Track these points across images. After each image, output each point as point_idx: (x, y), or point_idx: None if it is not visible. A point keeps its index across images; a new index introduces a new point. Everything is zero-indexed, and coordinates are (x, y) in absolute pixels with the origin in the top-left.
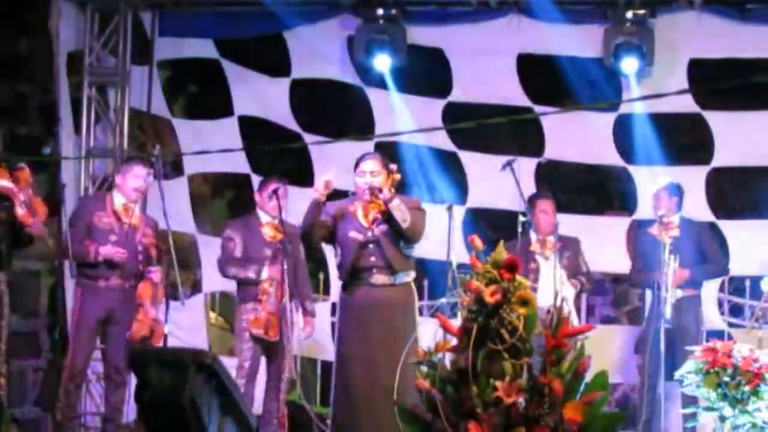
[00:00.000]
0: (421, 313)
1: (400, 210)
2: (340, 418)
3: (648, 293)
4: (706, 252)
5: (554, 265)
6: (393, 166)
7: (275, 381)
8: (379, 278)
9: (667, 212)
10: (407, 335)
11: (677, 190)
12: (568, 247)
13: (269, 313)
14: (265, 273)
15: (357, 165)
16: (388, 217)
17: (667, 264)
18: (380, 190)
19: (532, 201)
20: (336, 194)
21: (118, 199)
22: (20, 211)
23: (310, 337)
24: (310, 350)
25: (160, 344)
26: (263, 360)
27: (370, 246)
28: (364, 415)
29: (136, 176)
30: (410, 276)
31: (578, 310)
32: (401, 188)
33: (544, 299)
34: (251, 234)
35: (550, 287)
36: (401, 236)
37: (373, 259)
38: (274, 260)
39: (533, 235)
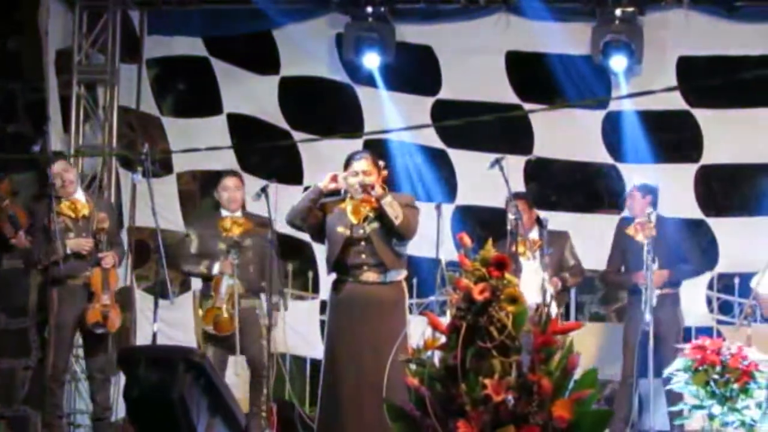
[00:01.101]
0: (410, 311)
1: (392, 207)
2: (327, 416)
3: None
4: (684, 251)
5: (537, 263)
6: (381, 163)
7: (254, 377)
8: (370, 276)
9: (641, 213)
10: (397, 334)
11: (650, 190)
12: (554, 243)
13: (218, 308)
14: (216, 268)
15: (348, 164)
16: (380, 215)
17: (645, 264)
18: (372, 188)
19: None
20: (330, 192)
21: (61, 200)
22: (8, 228)
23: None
24: (299, 348)
25: (115, 329)
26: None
27: (361, 243)
28: (351, 413)
29: (56, 177)
30: (402, 274)
31: (567, 308)
32: (390, 186)
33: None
34: (208, 229)
35: (531, 286)
36: (394, 233)
37: (363, 256)
38: (228, 255)
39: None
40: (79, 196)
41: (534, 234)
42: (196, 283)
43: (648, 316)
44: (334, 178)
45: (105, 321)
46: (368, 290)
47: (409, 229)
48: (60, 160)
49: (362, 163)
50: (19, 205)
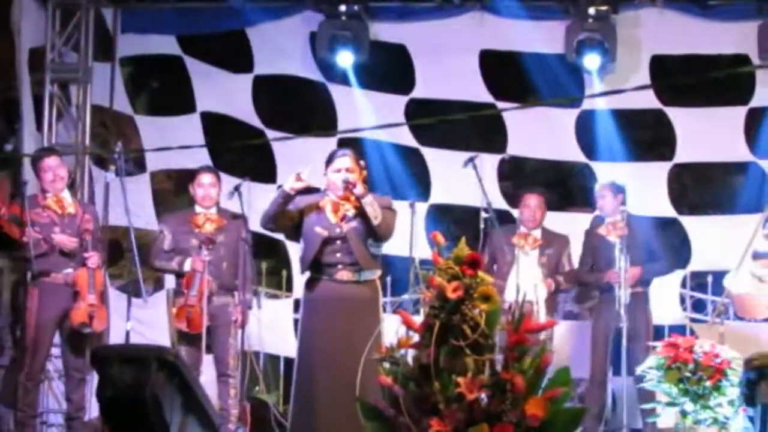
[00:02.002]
0: (384, 310)
1: (372, 207)
2: (301, 414)
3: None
4: (655, 249)
5: (535, 262)
6: (362, 162)
7: (220, 376)
8: (344, 275)
9: (613, 212)
10: (371, 332)
11: (620, 189)
12: (553, 244)
13: (189, 306)
14: (188, 264)
15: (330, 161)
16: (360, 214)
17: (617, 263)
18: (354, 185)
19: (523, 195)
20: (304, 190)
21: (48, 195)
22: (14, 230)
23: (240, 327)
24: (273, 347)
25: (101, 329)
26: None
27: (337, 242)
28: (325, 412)
29: (46, 169)
30: (376, 274)
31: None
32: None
33: (512, 294)
34: (181, 226)
35: (524, 282)
36: (371, 233)
37: (339, 255)
38: (200, 251)
39: (521, 228)
40: (66, 194)
41: (537, 232)
42: (170, 282)
43: (622, 313)
44: (298, 177)
45: (91, 321)
46: (343, 289)
47: (387, 230)
48: (53, 155)
49: (346, 160)
50: (16, 203)
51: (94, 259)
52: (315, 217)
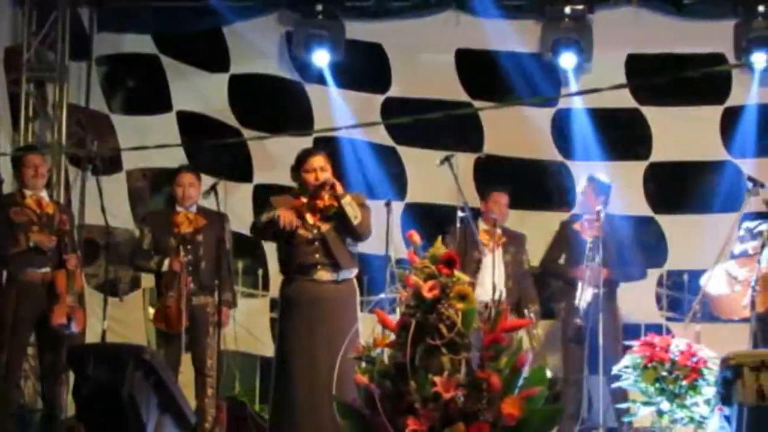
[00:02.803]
0: (360, 309)
1: (351, 206)
2: (280, 414)
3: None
4: (627, 252)
5: (500, 261)
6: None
7: (198, 376)
8: (324, 275)
9: (592, 210)
10: (349, 331)
11: (603, 190)
12: (514, 242)
13: (168, 306)
14: (166, 265)
15: (304, 161)
16: (338, 214)
17: (586, 262)
18: (334, 186)
19: (487, 192)
20: (280, 190)
21: (27, 193)
22: None
23: (218, 327)
24: (249, 346)
25: (78, 330)
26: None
27: (315, 243)
28: (305, 412)
29: (30, 166)
30: (353, 272)
31: (518, 305)
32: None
33: (485, 293)
34: (161, 225)
35: (489, 280)
36: (350, 233)
37: (317, 255)
38: (178, 251)
39: (482, 225)
40: (44, 194)
41: (499, 230)
42: (146, 281)
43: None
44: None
45: (68, 322)
46: (321, 289)
47: (367, 229)
48: (36, 154)
49: (319, 160)
50: None
51: (72, 260)
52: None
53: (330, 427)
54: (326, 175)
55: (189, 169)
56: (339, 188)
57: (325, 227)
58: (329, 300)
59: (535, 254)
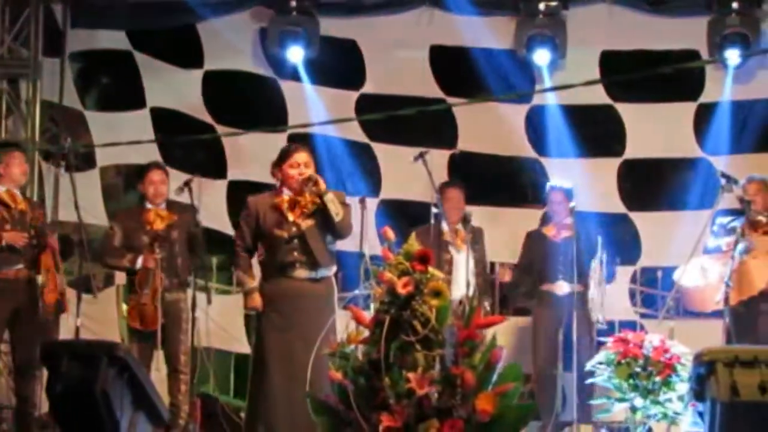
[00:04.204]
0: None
1: (334, 203)
2: (257, 410)
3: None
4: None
5: (467, 256)
6: None
7: (172, 372)
8: (302, 273)
9: (564, 216)
10: (329, 328)
11: (571, 193)
12: (476, 238)
13: (142, 304)
14: (140, 262)
15: (288, 156)
16: (317, 210)
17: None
18: (317, 182)
19: (441, 190)
20: (254, 186)
21: (1, 189)
22: None
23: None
24: (223, 343)
25: (68, 311)
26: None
27: (294, 241)
28: (281, 409)
29: (17, 163)
30: (332, 270)
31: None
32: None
33: (458, 290)
34: (132, 222)
35: (463, 278)
36: (331, 230)
37: (295, 254)
38: (152, 248)
39: (444, 225)
40: (17, 190)
41: (461, 227)
42: (120, 278)
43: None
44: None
45: (62, 297)
46: (300, 287)
47: (348, 226)
48: (18, 151)
49: (303, 156)
50: None
51: (53, 239)
52: (272, 217)
53: (306, 422)
54: (310, 171)
55: (159, 166)
56: (322, 184)
57: (305, 224)
58: (307, 297)
59: (510, 251)
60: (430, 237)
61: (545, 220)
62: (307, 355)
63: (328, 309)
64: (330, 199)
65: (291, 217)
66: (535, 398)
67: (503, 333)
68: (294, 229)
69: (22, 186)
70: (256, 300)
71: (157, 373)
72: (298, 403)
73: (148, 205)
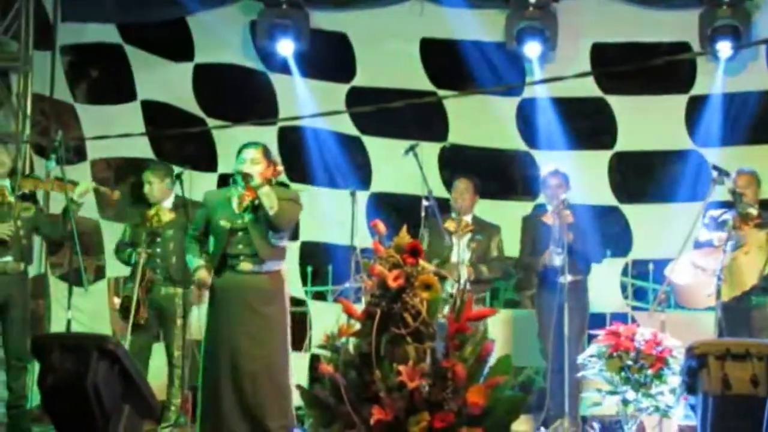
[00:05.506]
0: (325, 299)
1: (268, 197)
2: (208, 400)
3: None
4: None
5: (462, 246)
6: (278, 159)
7: (168, 365)
8: (246, 265)
9: (561, 201)
10: (275, 323)
11: (567, 178)
12: (483, 231)
13: (126, 296)
14: (134, 257)
15: (239, 153)
16: (259, 205)
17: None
18: (249, 176)
19: (452, 180)
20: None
21: None
22: None
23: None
24: (197, 332)
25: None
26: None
27: (239, 233)
28: (229, 399)
29: None
30: (279, 265)
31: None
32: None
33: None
34: (136, 219)
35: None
36: (268, 224)
37: (241, 246)
38: (148, 244)
39: (452, 214)
40: (6, 183)
41: (468, 218)
42: (111, 271)
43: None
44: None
45: None
46: (244, 279)
47: (282, 220)
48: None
49: (251, 152)
50: None
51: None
52: (220, 209)
53: (254, 413)
54: (258, 167)
55: (149, 168)
56: (257, 179)
57: (248, 218)
58: (251, 290)
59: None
60: (436, 227)
61: (538, 211)
62: (253, 349)
63: (275, 303)
64: (264, 193)
65: (236, 211)
66: (546, 390)
67: (493, 326)
68: (239, 221)
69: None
70: (202, 273)
71: (155, 367)
72: (246, 395)
73: (152, 202)
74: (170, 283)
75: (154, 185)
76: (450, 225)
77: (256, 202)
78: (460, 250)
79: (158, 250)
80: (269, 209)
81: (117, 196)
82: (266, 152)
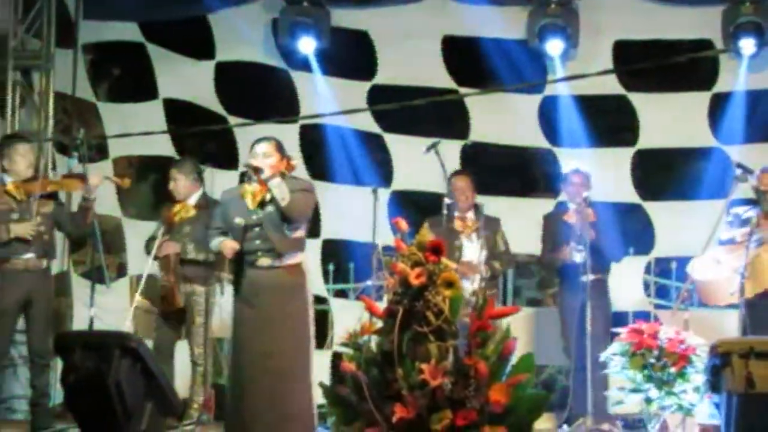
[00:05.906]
0: (346, 297)
1: (279, 189)
2: (234, 396)
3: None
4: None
5: (477, 245)
6: (292, 154)
7: (190, 364)
8: (265, 261)
9: (584, 199)
10: (296, 317)
11: (589, 177)
12: (487, 226)
13: (162, 286)
14: (163, 249)
15: (251, 149)
16: (273, 199)
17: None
18: (259, 169)
19: (450, 179)
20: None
21: (7, 180)
22: None
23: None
24: (219, 330)
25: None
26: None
27: (255, 229)
28: (250, 395)
29: (23, 155)
30: (298, 257)
31: (504, 292)
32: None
33: (468, 281)
34: (164, 216)
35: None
36: (283, 216)
37: (257, 242)
38: (168, 239)
39: (456, 213)
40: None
41: (470, 215)
42: (132, 269)
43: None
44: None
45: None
46: (263, 275)
47: (295, 211)
48: (24, 143)
49: (262, 146)
50: None
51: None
52: (234, 206)
53: (273, 409)
54: (259, 160)
55: (175, 165)
56: (267, 171)
57: (264, 213)
58: (271, 285)
59: (522, 241)
60: (443, 227)
61: (559, 209)
62: (274, 345)
63: (297, 297)
64: (275, 184)
65: (250, 206)
66: (569, 388)
67: (516, 323)
68: (254, 217)
69: (29, 178)
70: (228, 244)
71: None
72: (265, 391)
73: (178, 199)
74: (189, 280)
75: (179, 182)
76: (457, 224)
77: (268, 196)
78: (474, 249)
79: (178, 244)
80: (281, 201)
81: (127, 184)
82: (279, 146)
